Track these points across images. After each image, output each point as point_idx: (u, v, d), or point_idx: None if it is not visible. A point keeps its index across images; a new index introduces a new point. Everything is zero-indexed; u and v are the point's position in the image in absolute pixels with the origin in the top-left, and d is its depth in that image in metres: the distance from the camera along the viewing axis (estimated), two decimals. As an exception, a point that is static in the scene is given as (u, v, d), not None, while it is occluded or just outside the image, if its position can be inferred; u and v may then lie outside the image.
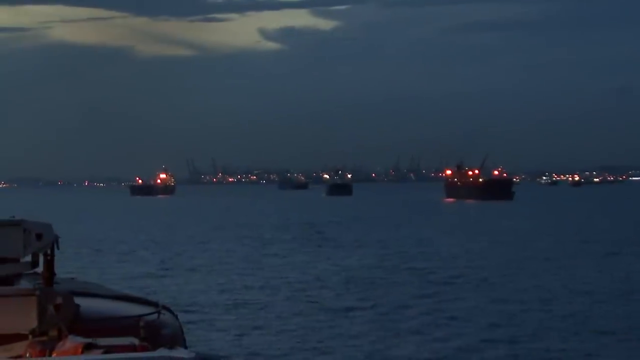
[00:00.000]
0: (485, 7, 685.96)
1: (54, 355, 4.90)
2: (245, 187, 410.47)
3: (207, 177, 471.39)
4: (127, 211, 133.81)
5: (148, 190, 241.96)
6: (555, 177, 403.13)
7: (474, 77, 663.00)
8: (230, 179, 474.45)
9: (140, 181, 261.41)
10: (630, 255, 53.35)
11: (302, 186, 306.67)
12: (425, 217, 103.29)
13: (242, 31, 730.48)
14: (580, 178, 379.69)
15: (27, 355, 5.15)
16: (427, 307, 33.32)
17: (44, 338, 5.33)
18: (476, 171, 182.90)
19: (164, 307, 6.20)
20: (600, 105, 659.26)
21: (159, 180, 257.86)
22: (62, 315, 5.39)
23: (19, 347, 5.32)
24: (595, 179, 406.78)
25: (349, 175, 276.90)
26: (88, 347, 4.73)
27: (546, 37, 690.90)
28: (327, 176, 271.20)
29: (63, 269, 6.43)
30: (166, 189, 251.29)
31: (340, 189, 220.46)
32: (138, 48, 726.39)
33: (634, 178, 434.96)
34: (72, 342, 4.85)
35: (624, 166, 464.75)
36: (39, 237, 6.02)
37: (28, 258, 6.07)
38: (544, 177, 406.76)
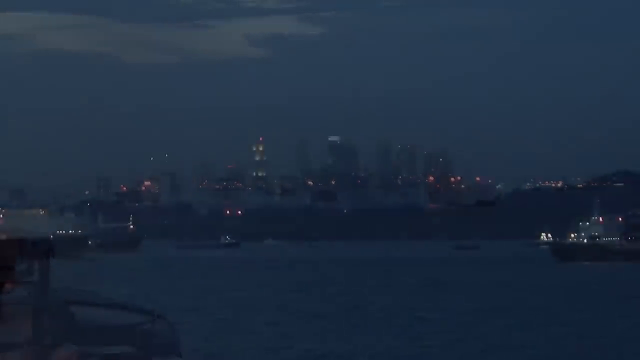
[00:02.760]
0: (467, 12, 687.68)
1: (49, 363, 4.90)
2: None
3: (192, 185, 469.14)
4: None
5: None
6: (538, 184, 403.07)
7: (458, 82, 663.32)
8: (217, 186, 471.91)
9: (125, 189, 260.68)
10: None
11: (289, 192, 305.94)
12: (405, 223, 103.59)
13: (228, 38, 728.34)
14: (563, 184, 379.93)
15: (22, 363, 5.13)
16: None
17: (39, 346, 5.32)
18: (458, 177, 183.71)
19: (159, 316, 6.18)
20: (583, 112, 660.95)
21: (143, 188, 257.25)
22: (57, 323, 5.38)
23: (14, 356, 5.32)
24: (579, 185, 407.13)
25: (333, 182, 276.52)
26: (83, 355, 4.74)
27: (524, 44, 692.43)
28: (311, 182, 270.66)
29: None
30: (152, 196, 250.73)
31: (324, 195, 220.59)
32: (124, 55, 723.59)
33: (617, 184, 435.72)
34: (67, 350, 4.86)
35: (608, 173, 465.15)
36: (34, 245, 6.01)
37: (23, 267, 6.07)
38: (528, 184, 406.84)
